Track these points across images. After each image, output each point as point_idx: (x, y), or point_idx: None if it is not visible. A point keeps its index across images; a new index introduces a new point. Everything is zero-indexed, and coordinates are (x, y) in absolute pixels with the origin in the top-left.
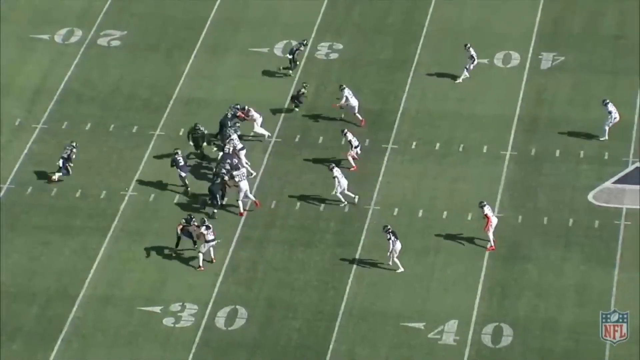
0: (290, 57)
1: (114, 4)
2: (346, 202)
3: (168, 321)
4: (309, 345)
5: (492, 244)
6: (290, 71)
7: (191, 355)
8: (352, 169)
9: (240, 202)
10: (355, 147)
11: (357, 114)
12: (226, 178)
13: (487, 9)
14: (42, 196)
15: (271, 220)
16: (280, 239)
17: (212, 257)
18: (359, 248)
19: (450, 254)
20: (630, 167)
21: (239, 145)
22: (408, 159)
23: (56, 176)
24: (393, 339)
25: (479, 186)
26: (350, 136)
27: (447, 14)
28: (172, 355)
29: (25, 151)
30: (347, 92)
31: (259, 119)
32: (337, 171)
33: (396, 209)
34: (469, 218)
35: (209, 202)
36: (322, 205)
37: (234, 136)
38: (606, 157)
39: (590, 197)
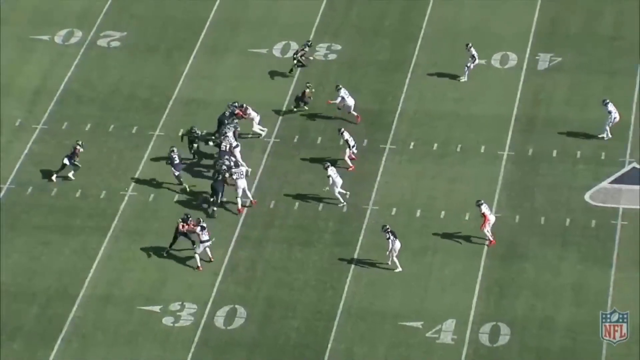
0: (295, 60)
1: (114, 5)
2: (345, 203)
3: (167, 320)
4: (307, 344)
5: (491, 239)
6: (289, 72)
7: (190, 355)
8: (350, 169)
9: (238, 199)
10: (352, 147)
11: (353, 112)
12: (226, 175)
13: (484, 10)
14: (42, 196)
15: (270, 220)
16: (279, 238)
17: (210, 256)
18: (357, 248)
19: (448, 253)
20: (627, 167)
21: (234, 143)
22: (406, 159)
23: (54, 176)
24: (391, 338)
25: (477, 186)
26: (347, 135)
27: (445, 15)
28: (172, 354)
29: (26, 151)
30: (343, 92)
31: (256, 117)
32: (331, 170)
33: (394, 209)
34: (467, 218)
35: (211, 200)
36: (321, 205)
37: (229, 134)
38: (603, 157)
39: (587, 197)
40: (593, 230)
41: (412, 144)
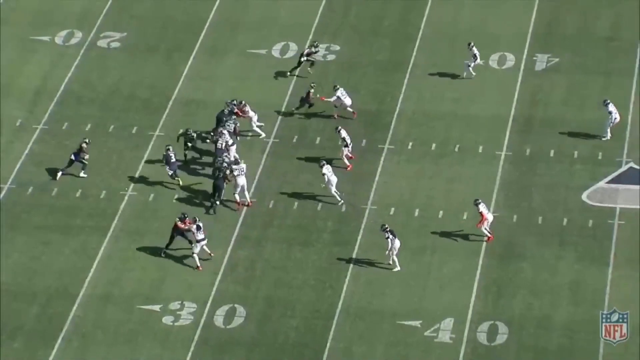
0: (304, 60)
1: (114, 5)
2: (342, 201)
3: (167, 319)
4: (306, 343)
5: (489, 235)
6: (289, 72)
7: (190, 353)
8: (348, 168)
9: (236, 196)
10: (348, 145)
11: (349, 108)
12: (227, 172)
13: (482, 11)
14: (42, 196)
15: (269, 220)
16: (278, 238)
17: (209, 252)
18: (356, 247)
19: (446, 252)
20: (624, 167)
21: (230, 141)
22: (404, 159)
23: (59, 174)
24: (389, 337)
25: (475, 186)
26: (344, 133)
27: (443, 16)
28: (171, 353)
29: (26, 151)
30: (340, 92)
31: (254, 116)
32: (326, 168)
33: (393, 209)
34: (465, 217)
35: (214, 197)
36: (320, 204)
37: (225, 131)
38: (600, 157)
39: (584, 196)
40: (590, 229)
41: (411, 144)
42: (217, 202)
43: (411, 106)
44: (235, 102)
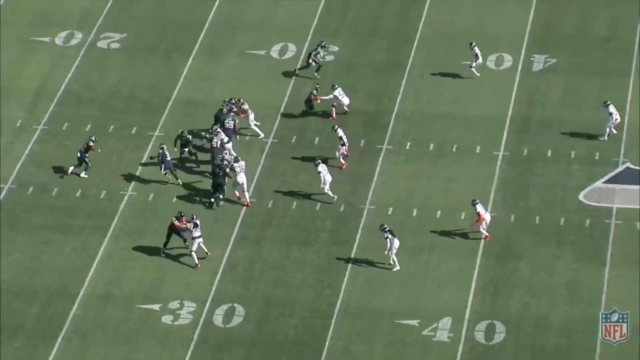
0: (311, 60)
1: (114, 7)
2: (335, 196)
3: (167, 319)
4: (305, 342)
5: (487, 234)
6: (297, 70)
7: (189, 352)
8: (343, 166)
9: (236, 192)
10: (345, 144)
11: (346, 107)
12: (227, 170)
13: (480, 12)
14: (43, 196)
15: (268, 220)
16: (277, 237)
17: (206, 251)
18: (355, 247)
19: (444, 252)
20: (621, 167)
21: (225, 139)
22: (402, 159)
23: (70, 169)
24: (388, 336)
25: (472, 186)
26: (340, 132)
27: (441, 17)
28: (171, 352)
29: (27, 152)
30: (337, 91)
31: (251, 114)
32: (322, 167)
33: (391, 209)
34: (463, 217)
35: (216, 195)
36: (318, 204)
37: (220, 130)
38: (597, 158)
39: (581, 196)
40: (587, 229)
41: (409, 144)
42: (221, 196)
43: (409, 106)
44: (233, 101)
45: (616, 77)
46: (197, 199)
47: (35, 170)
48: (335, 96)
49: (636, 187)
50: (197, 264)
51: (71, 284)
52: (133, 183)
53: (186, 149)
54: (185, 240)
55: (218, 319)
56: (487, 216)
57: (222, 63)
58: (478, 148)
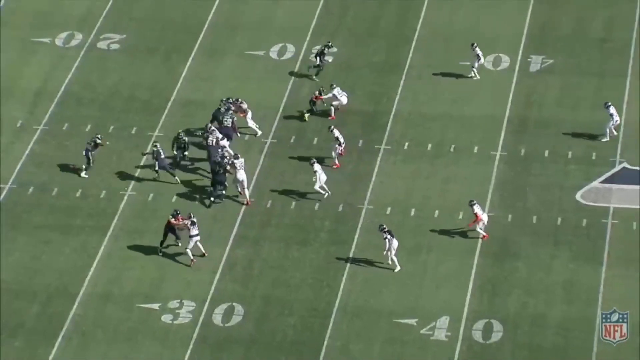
0: (318, 60)
1: (114, 8)
2: (328, 192)
3: (166, 318)
4: (304, 341)
5: (484, 234)
6: (314, 75)
7: (189, 351)
8: (335, 166)
9: (237, 186)
10: (342, 144)
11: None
12: (228, 167)
13: (477, 13)
14: (43, 196)
15: (267, 219)
16: (276, 237)
17: (203, 251)
18: (353, 246)
19: (442, 252)
20: (617, 167)
21: (219, 136)
22: (400, 160)
23: (83, 173)
24: (386, 335)
25: (470, 186)
26: (337, 133)
27: (439, 18)
28: (171, 351)
29: (27, 152)
30: (336, 91)
31: (249, 112)
32: (317, 166)
33: (389, 208)
34: (460, 217)
35: (217, 192)
36: (317, 204)
37: (214, 128)
38: (594, 158)
39: (578, 196)
40: (584, 229)
41: (407, 144)
42: (224, 192)
43: (407, 107)
44: (231, 99)
45: (613, 78)
46: (197, 197)
47: (36, 170)
48: (334, 95)
49: (633, 187)
50: (192, 260)
51: (71, 284)
52: (133, 183)
53: (186, 153)
54: (177, 238)
55: (217, 318)
56: (484, 217)
57: (221, 63)
58: (476, 148)
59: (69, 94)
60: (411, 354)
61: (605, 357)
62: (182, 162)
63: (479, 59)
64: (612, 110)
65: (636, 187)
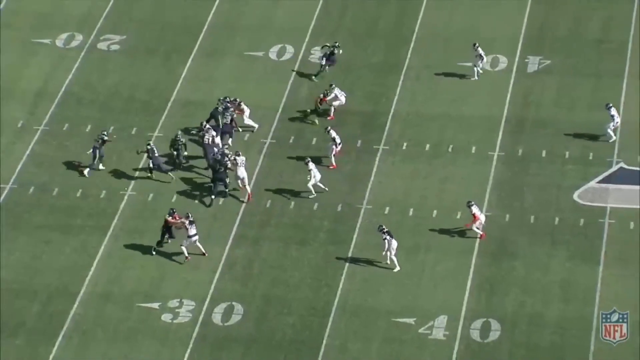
0: (324, 61)
1: (114, 9)
2: (315, 194)
3: (166, 317)
4: (303, 340)
5: (481, 233)
6: (314, 77)
7: (189, 350)
8: (332, 167)
9: (239, 182)
10: (338, 145)
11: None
12: (229, 164)
13: (475, 15)
14: (43, 196)
15: (266, 219)
16: (275, 237)
17: (203, 250)
18: (352, 246)
19: (440, 251)
20: (614, 167)
21: (214, 133)
22: (399, 160)
23: (99, 167)
24: (384, 334)
25: (468, 186)
26: (333, 133)
27: (437, 19)
28: (170, 350)
29: (28, 152)
30: (336, 91)
31: (247, 111)
32: (312, 165)
33: (387, 208)
34: (458, 217)
35: (218, 189)
36: (316, 204)
37: (210, 126)
38: (591, 158)
39: (575, 196)
40: (581, 228)
41: (405, 144)
42: (226, 190)
43: (406, 107)
44: (228, 99)
45: (610, 79)
46: (196, 197)
47: (36, 170)
48: (335, 95)
49: (630, 186)
50: (187, 258)
51: (71, 283)
52: (133, 183)
53: (185, 153)
54: (171, 237)
55: (217, 317)
56: (482, 217)
57: (220, 64)
58: (473, 148)
59: (70, 94)
60: (409, 353)
61: (603, 356)
62: (181, 163)
63: (482, 59)
64: (613, 111)
65: (633, 187)
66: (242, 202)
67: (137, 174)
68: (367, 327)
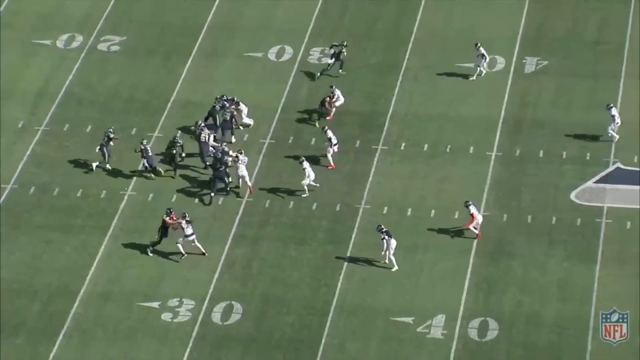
0: (332, 60)
1: (114, 10)
2: (308, 193)
3: (166, 316)
4: (302, 339)
5: (478, 232)
6: (341, 70)
7: (188, 349)
8: (330, 167)
9: (246, 184)
10: (335, 145)
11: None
12: (229, 163)
13: (473, 15)
14: (44, 196)
15: (266, 219)
16: (274, 236)
17: (202, 250)
18: (350, 246)
19: (438, 251)
20: (611, 167)
21: (209, 132)
22: (397, 160)
23: (106, 165)
24: (383, 333)
25: (466, 186)
26: (330, 133)
27: (435, 20)
28: (170, 349)
29: (28, 152)
30: (338, 91)
31: (244, 109)
32: (306, 164)
33: (386, 208)
34: (456, 217)
35: (217, 186)
36: (315, 204)
37: (203, 124)
38: (588, 158)
39: (572, 196)
40: (578, 228)
41: (403, 144)
42: (228, 188)
43: (404, 108)
44: (225, 97)
45: (606, 79)
46: (196, 197)
47: (37, 170)
48: (338, 95)
49: (627, 186)
50: (183, 255)
51: (72, 283)
52: (133, 183)
53: (183, 154)
54: (164, 236)
55: (216, 317)
56: (479, 217)
57: (220, 65)
58: (471, 149)
59: (70, 95)
60: (407, 352)
61: (599, 354)
62: (177, 165)
63: (485, 58)
64: (614, 111)
65: (630, 187)
66: (243, 198)
67: (137, 173)
68: (366, 326)
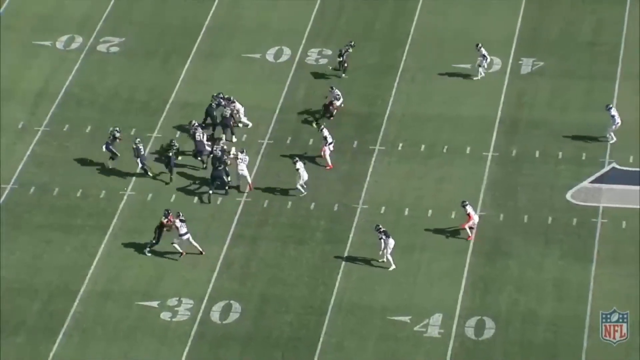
0: (340, 59)
1: (113, 11)
2: (305, 193)
3: (165, 315)
4: (300, 338)
5: (469, 234)
6: (343, 74)
7: (187, 348)
8: (328, 167)
9: (246, 183)
10: (330, 144)
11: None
12: (228, 162)
13: (469, 17)
14: (44, 196)
15: (264, 219)
16: (272, 236)
17: (200, 249)
18: (348, 245)
19: (435, 250)
20: (607, 168)
21: (201, 131)
22: (395, 160)
23: (109, 164)
24: (380, 332)
25: (463, 186)
26: (326, 132)
27: (432, 22)
28: (169, 348)
29: (28, 153)
30: (336, 91)
31: (242, 109)
32: (299, 164)
33: (383, 208)
34: (453, 216)
35: (217, 186)
36: (313, 204)
37: (196, 124)
38: (584, 158)
39: (568, 196)
40: (574, 228)
41: (401, 145)
42: (227, 187)
43: (401, 108)
44: (221, 94)
45: (602, 81)
46: (195, 197)
47: (37, 170)
48: (338, 96)
49: (622, 186)
50: (181, 253)
51: (72, 282)
52: (132, 183)
53: (179, 158)
54: (157, 238)
55: (215, 316)
56: (475, 217)
57: (218, 66)
58: (468, 149)
59: (70, 95)
60: (405, 350)
61: (595, 353)
62: (172, 168)
63: (486, 58)
64: (614, 112)
65: (625, 187)
66: (243, 192)
67: (137, 173)
68: (363, 325)
